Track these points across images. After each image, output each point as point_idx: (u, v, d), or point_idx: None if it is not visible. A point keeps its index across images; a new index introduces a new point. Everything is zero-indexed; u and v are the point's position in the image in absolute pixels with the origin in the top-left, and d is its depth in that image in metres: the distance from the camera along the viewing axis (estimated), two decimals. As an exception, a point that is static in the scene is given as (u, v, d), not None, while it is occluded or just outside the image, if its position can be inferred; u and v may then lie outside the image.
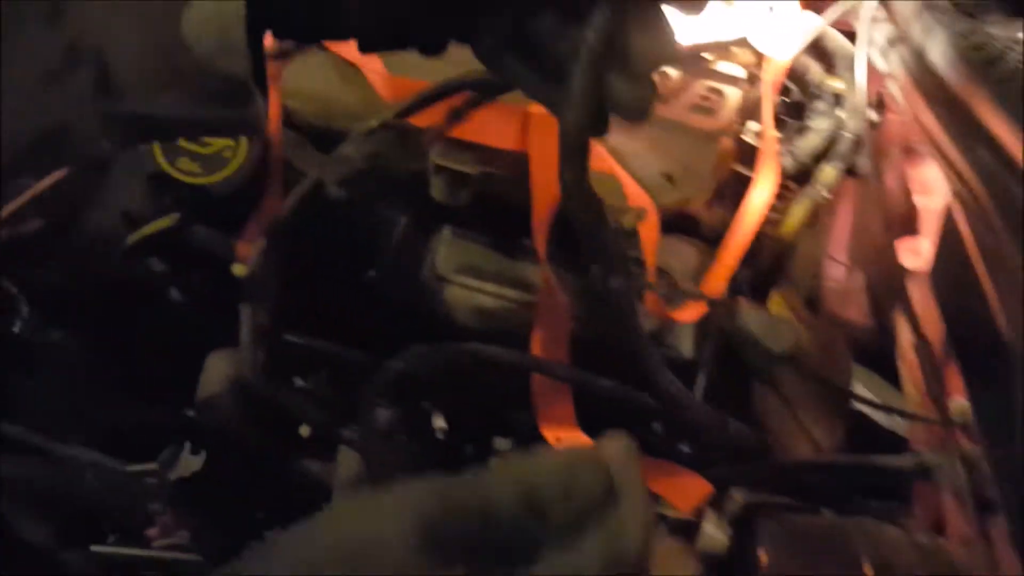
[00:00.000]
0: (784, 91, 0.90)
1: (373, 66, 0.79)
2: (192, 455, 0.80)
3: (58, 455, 0.75)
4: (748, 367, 0.81)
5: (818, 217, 0.94)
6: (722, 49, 0.79)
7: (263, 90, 0.46)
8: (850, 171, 0.86)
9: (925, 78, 0.71)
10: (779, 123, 0.90)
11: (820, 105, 0.87)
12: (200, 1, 0.39)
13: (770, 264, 0.85)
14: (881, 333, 0.85)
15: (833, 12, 0.86)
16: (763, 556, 0.61)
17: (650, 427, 0.75)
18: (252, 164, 0.74)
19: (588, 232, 0.51)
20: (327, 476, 0.73)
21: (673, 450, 0.73)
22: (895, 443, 0.80)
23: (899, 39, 0.77)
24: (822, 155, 0.86)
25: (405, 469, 0.66)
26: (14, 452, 0.73)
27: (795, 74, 0.88)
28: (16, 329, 0.75)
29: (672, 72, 0.81)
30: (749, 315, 0.76)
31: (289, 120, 0.80)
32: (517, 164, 0.73)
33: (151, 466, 0.77)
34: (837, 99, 0.87)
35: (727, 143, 0.80)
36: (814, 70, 0.88)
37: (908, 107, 0.74)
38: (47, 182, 0.66)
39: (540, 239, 0.72)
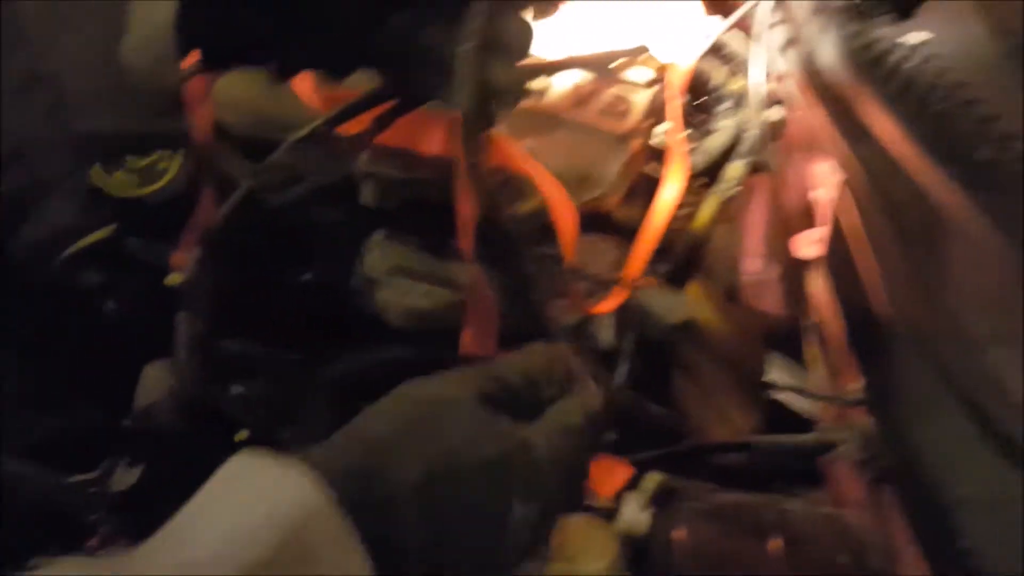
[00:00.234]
0: (692, 92, 0.93)
1: (301, 78, 0.81)
2: (129, 467, 0.79)
3: (-7, 466, 0.75)
4: (666, 355, 0.85)
5: (733, 212, 0.98)
6: (630, 55, 0.82)
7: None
8: (761, 167, 0.90)
9: (817, 77, 0.74)
10: (688, 124, 0.94)
11: (725, 106, 0.91)
12: (138, 25, 0.42)
13: (685, 257, 0.88)
14: (795, 320, 0.90)
15: (733, 16, 0.89)
16: (677, 535, 0.65)
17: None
18: (186, 175, 0.75)
19: (487, 220, 0.56)
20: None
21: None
22: (809, 425, 0.85)
23: (795, 40, 0.79)
24: (729, 153, 0.90)
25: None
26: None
27: (700, 77, 0.91)
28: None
29: (583, 78, 0.84)
30: (647, 293, 0.79)
31: (221, 131, 0.80)
32: (444, 167, 0.76)
33: (91, 476, 0.77)
34: (741, 99, 0.91)
35: (637, 144, 0.83)
36: (717, 72, 0.91)
37: (803, 104, 0.78)
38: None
39: (466, 241, 0.75)
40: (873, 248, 0.60)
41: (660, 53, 0.85)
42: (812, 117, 0.73)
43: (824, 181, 0.79)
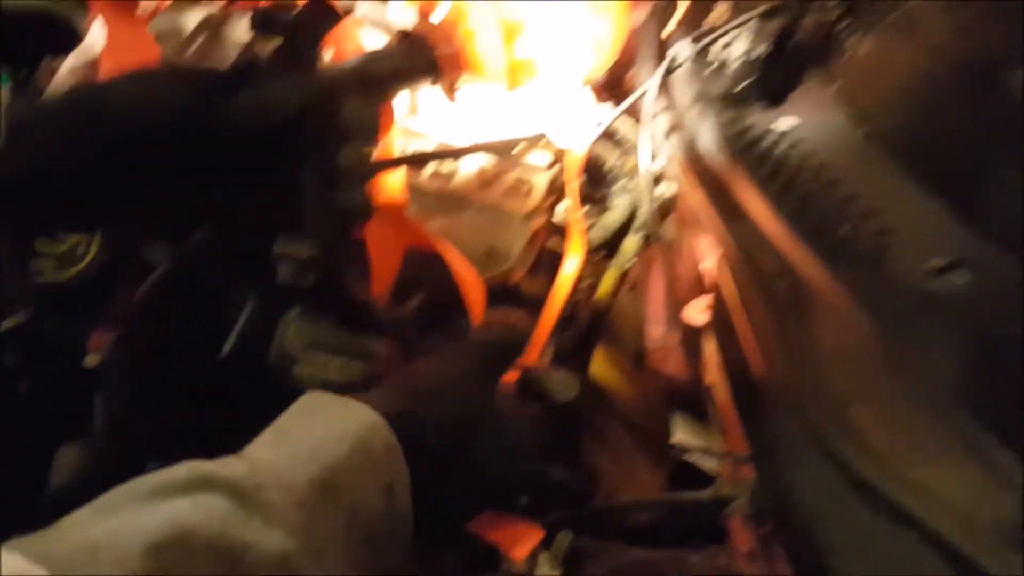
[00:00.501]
0: (588, 173, 0.98)
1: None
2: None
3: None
4: (575, 419, 0.88)
5: (635, 282, 1.03)
6: (530, 141, 0.87)
7: None
8: (657, 240, 0.95)
9: (696, 160, 0.78)
10: (585, 202, 0.99)
11: (619, 185, 0.96)
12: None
13: (589, 327, 0.91)
14: (697, 383, 0.94)
15: (623, 104, 0.94)
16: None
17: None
18: (104, 258, 0.76)
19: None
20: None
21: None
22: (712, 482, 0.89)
23: (676, 126, 0.85)
24: (625, 228, 0.95)
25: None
26: None
27: (595, 159, 0.96)
28: None
29: (488, 162, 0.88)
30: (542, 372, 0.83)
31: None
32: (357, 246, 0.78)
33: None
34: (633, 179, 0.96)
35: (539, 222, 0.87)
36: (610, 155, 0.97)
37: (685, 185, 0.82)
38: None
39: (381, 312, 0.78)
40: (748, 316, 0.64)
41: (558, 138, 0.90)
42: (692, 196, 0.77)
43: (711, 252, 0.83)
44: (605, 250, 0.95)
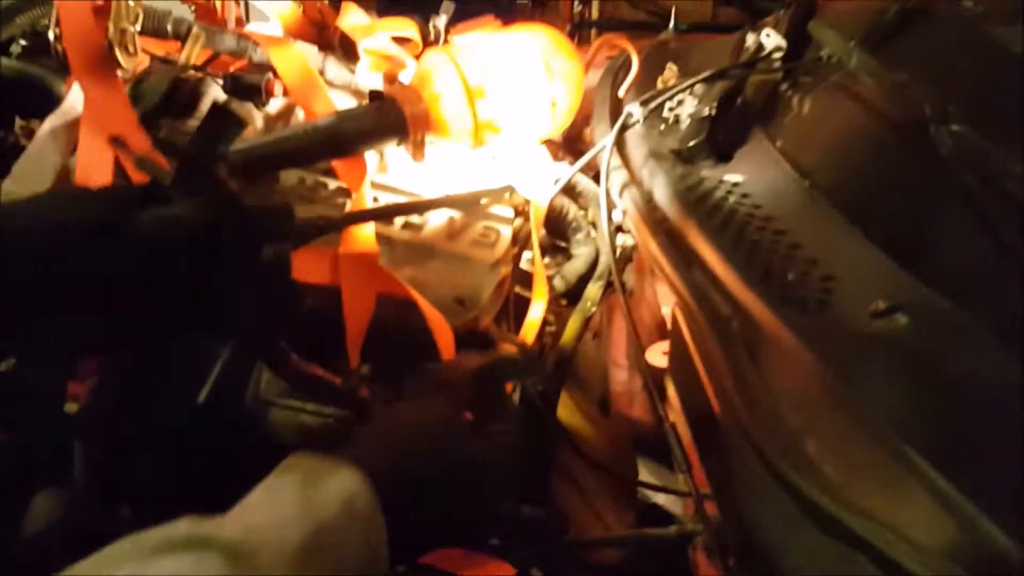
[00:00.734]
0: (551, 224, 1.00)
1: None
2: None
3: None
4: (546, 461, 0.90)
5: (599, 328, 1.05)
6: (496, 194, 0.89)
7: None
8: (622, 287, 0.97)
9: (651, 213, 0.81)
10: (550, 250, 1.01)
11: (580, 235, 0.99)
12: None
13: (555, 370, 0.92)
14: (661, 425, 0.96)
15: (582, 160, 0.97)
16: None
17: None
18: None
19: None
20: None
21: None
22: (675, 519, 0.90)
23: (631, 182, 0.88)
24: (588, 276, 0.97)
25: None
26: None
27: (557, 211, 0.99)
28: None
29: (456, 215, 0.90)
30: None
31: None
32: (331, 295, 0.80)
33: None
34: (594, 229, 1.00)
35: (505, 271, 0.88)
36: (571, 207, 1.00)
37: (638, 237, 0.84)
38: None
39: (354, 359, 0.79)
40: (703, 357, 0.67)
41: (521, 191, 0.92)
42: (648, 246, 0.80)
43: (668, 299, 0.86)
44: (568, 298, 0.97)
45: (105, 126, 0.78)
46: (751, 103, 0.93)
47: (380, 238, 0.85)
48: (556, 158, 1.05)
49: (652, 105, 0.95)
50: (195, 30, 0.91)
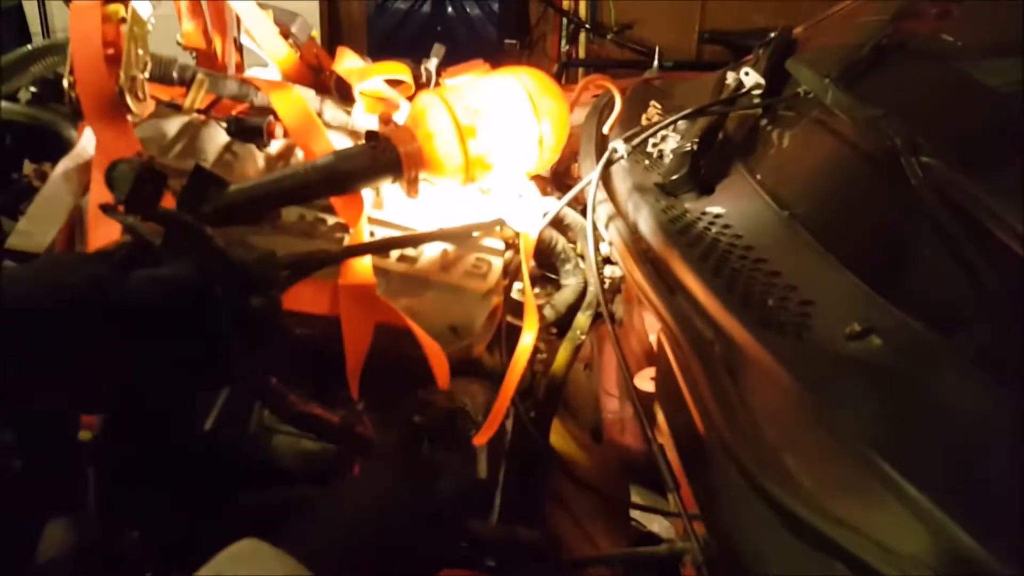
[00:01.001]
0: (540, 256, 1.02)
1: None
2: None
3: None
4: (538, 486, 0.91)
5: (589, 356, 1.06)
6: (487, 227, 0.91)
7: None
8: (608, 316, 0.99)
9: (635, 244, 0.82)
10: (542, 281, 1.03)
11: (568, 266, 1.01)
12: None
13: (546, 397, 0.94)
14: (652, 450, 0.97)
15: (569, 194, 0.99)
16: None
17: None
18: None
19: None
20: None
21: (480, 562, 0.79)
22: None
23: (616, 215, 0.90)
24: (577, 305, 0.99)
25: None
26: None
27: (547, 243, 1.01)
28: None
29: (449, 247, 0.92)
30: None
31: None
32: (330, 325, 0.82)
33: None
34: (582, 260, 1.02)
35: (497, 300, 0.91)
36: (560, 239, 1.01)
37: (624, 267, 0.86)
38: None
39: (354, 386, 0.80)
40: (687, 379, 0.68)
41: (511, 224, 0.95)
42: (633, 275, 0.81)
43: (655, 326, 0.87)
44: (558, 327, 0.98)
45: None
46: (732, 138, 0.96)
47: (377, 270, 0.88)
48: (544, 192, 1.07)
49: (636, 141, 0.97)
50: (199, 76, 0.93)
